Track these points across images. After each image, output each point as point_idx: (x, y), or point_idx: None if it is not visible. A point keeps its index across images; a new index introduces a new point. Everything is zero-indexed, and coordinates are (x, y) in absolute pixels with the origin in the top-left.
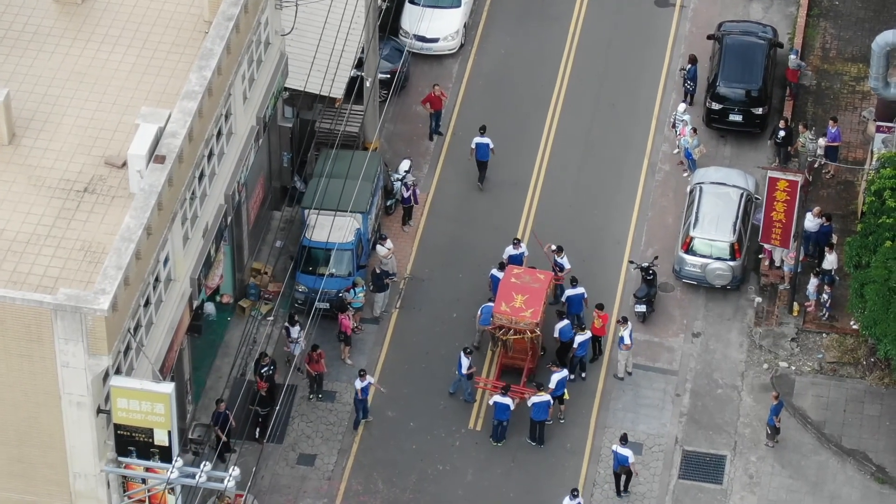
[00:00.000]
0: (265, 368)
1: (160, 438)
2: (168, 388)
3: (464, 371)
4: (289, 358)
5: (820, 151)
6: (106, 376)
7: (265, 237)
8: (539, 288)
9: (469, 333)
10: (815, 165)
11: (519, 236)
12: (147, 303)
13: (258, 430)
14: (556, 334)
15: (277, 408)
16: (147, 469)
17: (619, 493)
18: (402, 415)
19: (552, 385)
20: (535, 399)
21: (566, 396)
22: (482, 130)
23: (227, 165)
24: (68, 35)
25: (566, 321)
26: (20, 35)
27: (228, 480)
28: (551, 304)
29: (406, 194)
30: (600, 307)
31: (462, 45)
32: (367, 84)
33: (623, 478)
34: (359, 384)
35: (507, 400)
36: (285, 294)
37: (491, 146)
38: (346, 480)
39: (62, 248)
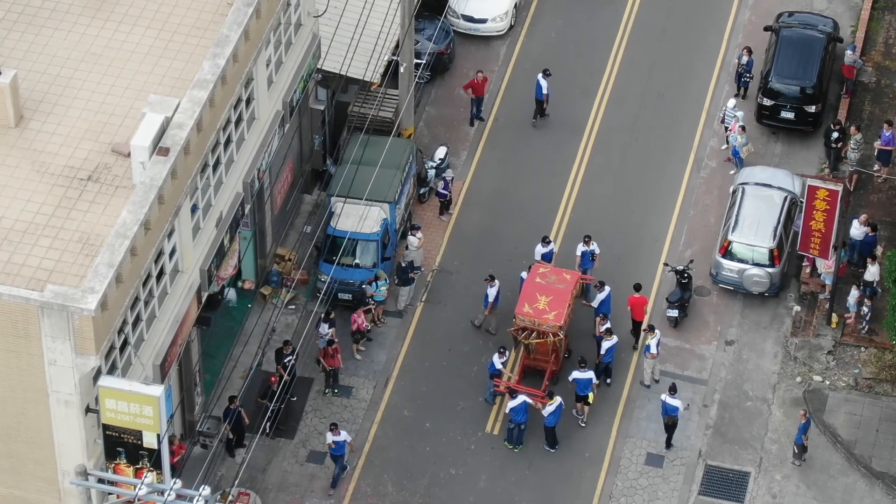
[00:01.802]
0: (288, 358)
1: (149, 441)
2: (157, 390)
3: (496, 367)
4: (317, 359)
5: (856, 156)
6: (98, 374)
7: (294, 221)
8: (564, 289)
9: (497, 333)
10: (856, 177)
11: (552, 235)
12: (149, 296)
13: (268, 424)
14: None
15: (275, 401)
16: (115, 484)
17: (668, 444)
18: (419, 414)
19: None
20: (548, 409)
21: (591, 400)
22: (545, 72)
23: (246, 152)
24: (87, 13)
25: (608, 324)
26: (38, 12)
27: (198, 500)
28: (585, 303)
29: (443, 190)
30: (637, 288)
31: (511, 27)
32: (402, 69)
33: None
34: (330, 437)
35: (519, 399)
36: (308, 282)
37: (545, 91)
38: (355, 481)
39: (59, 240)
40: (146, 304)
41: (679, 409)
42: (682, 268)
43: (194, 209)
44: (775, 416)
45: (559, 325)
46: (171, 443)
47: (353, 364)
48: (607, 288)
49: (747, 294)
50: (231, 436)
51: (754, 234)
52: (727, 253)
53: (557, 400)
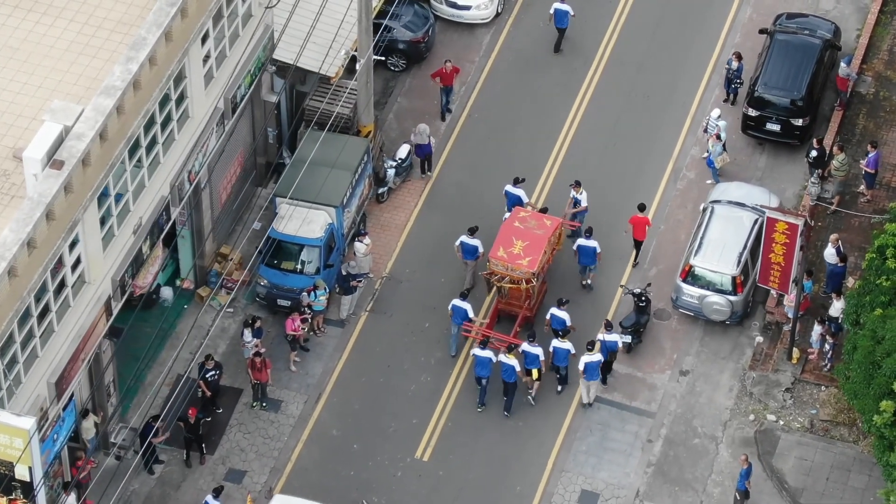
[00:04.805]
0: (210, 373)
1: (21, 473)
2: (27, 423)
3: (464, 319)
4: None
5: (814, 191)
6: None
7: (244, 216)
8: (542, 235)
9: (441, 348)
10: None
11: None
12: (45, 311)
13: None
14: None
15: (195, 431)
16: None
17: (604, 380)
18: (347, 434)
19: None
20: (501, 358)
21: (535, 377)
22: None
23: (176, 153)
24: (9, 3)
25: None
26: None
27: None
28: (570, 236)
29: (428, 146)
30: (641, 208)
31: (498, 14)
32: (359, 65)
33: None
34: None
35: (487, 353)
36: (249, 284)
37: (571, 13)
38: None
39: None
40: (40, 319)
41: (618, 344)
42: (639, 290)
43: (105, 218)
44: (722, 456)
45: (533, 271)
46: (77, 458)
47: (287, 375)
48: (594, 241)
49: (709, 320)
50: (141, 454)
51: (717, 259)
52: (688, 277)
53: (514, 361)
